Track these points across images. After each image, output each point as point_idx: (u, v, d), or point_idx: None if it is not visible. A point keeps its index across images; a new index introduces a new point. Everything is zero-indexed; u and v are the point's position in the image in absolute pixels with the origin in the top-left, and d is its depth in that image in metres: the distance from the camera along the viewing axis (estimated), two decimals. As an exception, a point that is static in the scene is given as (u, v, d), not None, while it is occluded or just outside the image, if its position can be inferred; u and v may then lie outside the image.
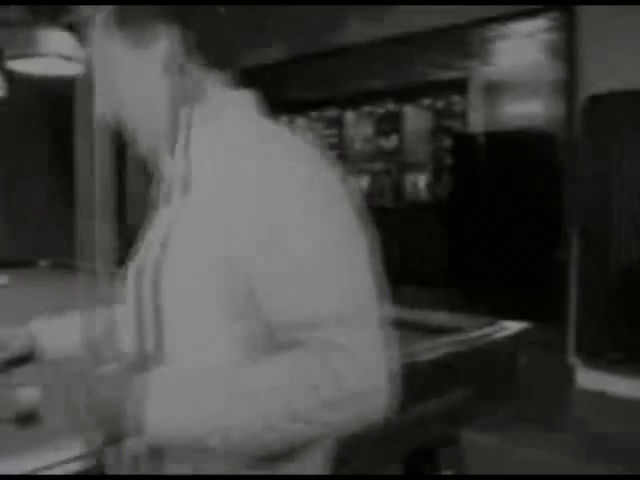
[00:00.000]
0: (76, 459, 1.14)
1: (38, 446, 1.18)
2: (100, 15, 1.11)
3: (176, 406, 0.94)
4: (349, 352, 0.92)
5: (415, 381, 1.69)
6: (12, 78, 3.28)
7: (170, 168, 1.14)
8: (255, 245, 0.97)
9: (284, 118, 10.78)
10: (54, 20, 2.50)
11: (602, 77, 3.34)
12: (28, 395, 1.48)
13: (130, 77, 1.11)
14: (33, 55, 2.35)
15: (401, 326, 2.20)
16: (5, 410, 1.50)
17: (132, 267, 1.14)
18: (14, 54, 2.48)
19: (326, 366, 0.91)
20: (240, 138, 1.08)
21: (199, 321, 1.01)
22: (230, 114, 1.13)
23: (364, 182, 10.33)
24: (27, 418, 1.49)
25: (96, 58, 1.14)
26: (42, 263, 4.17)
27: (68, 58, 2.34)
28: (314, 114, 10.80)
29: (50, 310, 2.44)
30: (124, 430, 0.96)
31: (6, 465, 1.08)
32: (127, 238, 5.60)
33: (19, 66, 2.57)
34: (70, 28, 2.60)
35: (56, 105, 6.19)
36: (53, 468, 1.11)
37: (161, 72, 1.09)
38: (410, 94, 9.61)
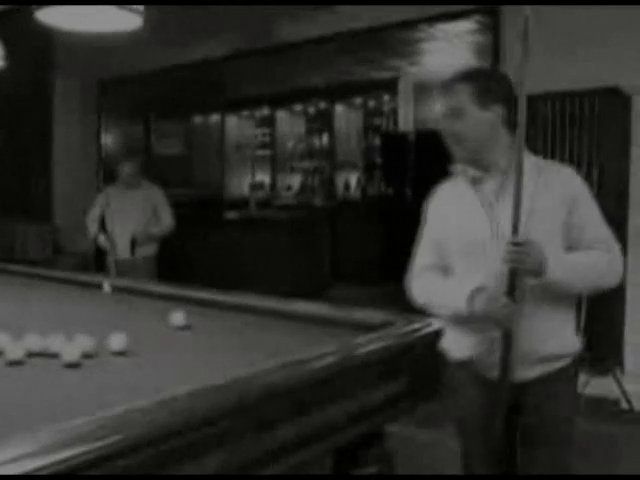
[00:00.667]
0: None
1: None
2: (465, 87, 2.06)
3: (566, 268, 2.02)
4: (615, 254, 2.09)
5: (347, 376, 1.70)
6: None
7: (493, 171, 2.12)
8: (568, 210, 2.06)
9: (216, 116, 10.70)
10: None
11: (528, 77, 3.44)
12: None
13: (473, 119, 2.06)
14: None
15: (332, 323, 2.22)
16: None
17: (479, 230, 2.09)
18: None
19: (607, 257, 2.07)
20: (536, 159, 2.19)
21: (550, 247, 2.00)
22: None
23: (296, 180, 10.35)
24: None
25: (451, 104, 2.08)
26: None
27: None
28: (246, 112, 10.77)
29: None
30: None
31: None
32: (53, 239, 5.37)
33: None
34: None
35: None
36: None
37: (492, 122, 2.09)
38: (341, 93, 9.67)
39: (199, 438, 1.32)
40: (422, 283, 2.21)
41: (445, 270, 2.19)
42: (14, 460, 1.09)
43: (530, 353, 2.04)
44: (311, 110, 10.28)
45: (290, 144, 10.48)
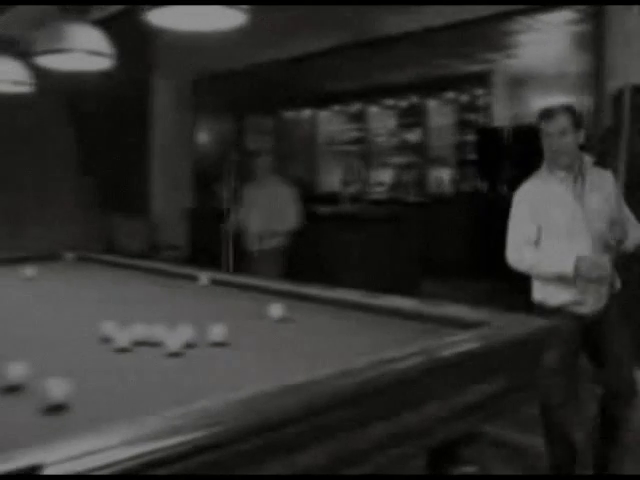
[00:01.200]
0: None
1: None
2: (568, 115, 2.85)
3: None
4: None
5: (441, 375, 1.69)
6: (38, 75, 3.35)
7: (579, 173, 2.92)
8: (610, 204, 2.78)
9: (307, 112, 10.80)
10: (82, 16, 2.54)
11: (631, 68, 3.26)
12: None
13: (572, 138, 2.85)
14: (61, 51, 2.39)
15: (426, 319, 2.22)
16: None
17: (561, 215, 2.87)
18: (42, 50, 2.52)
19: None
20: (595, 168, 2.95)
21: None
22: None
23: (387, 176, 10.30)
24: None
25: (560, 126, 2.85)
26: (68, 256, 4.24)
27: (95, 53, 2.40)
28: (337, 108, 10.80)
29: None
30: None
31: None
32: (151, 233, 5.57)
33: (47, 62, 2.62)
34: (98, 24, 2.64)
35: (80, 106, 6.30)
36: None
37: (578, 140, 2.88)
38: (434, 87, 9.56)
39: (294, 433, 1.33)
40: (527, 254, 2.89)
41: (535, 244, 2.91)
42: (116, 446, 1.14)
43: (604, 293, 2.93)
44: (403, 105, 10.21)
45: (382, 139, 10.44)
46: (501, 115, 8.89)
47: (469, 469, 1.93)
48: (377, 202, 9.04)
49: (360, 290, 2.67)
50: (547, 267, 2.84)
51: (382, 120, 10.47)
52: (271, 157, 5.88)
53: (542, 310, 2.92)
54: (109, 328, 2.01)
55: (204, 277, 3.06)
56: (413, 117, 10.00)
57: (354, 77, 9.33)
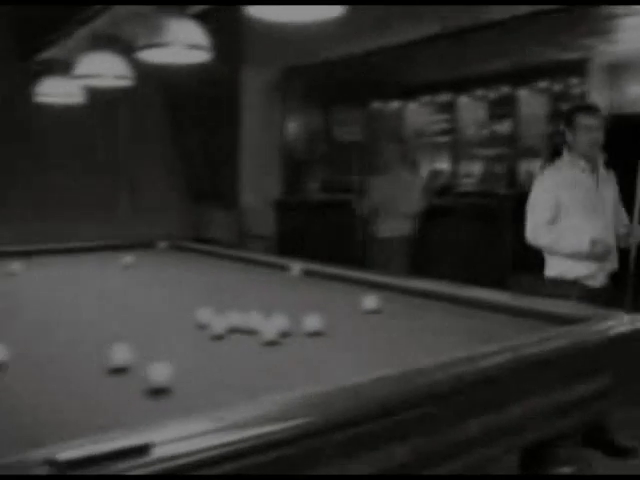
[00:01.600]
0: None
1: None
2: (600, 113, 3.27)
3: None
4: None
5: (540, 371, 1.65)
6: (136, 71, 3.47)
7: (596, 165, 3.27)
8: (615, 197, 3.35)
9: (395, 103, 10.72)
10: (181, 10, 2.60)
11: None
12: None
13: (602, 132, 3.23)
14: (162, 45, 2.46)
15: (519, 313, 2.17)
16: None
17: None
18: (143, 44, 2.60)
19: None
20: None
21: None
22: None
23: (477, 168, 10.12)
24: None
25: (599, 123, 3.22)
26: (161, 245, 4.39)
27: (195, 47, 2.46)
28: (426, 98, 10.68)
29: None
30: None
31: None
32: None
33: (147, 56, 2.70)
34: (197, 17, 2.70)
35: (173, 96, 6.48)
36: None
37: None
38: (526, 77, 9.30)
39: (384, 427, 1.33)
40: (549, 233, 3.26)
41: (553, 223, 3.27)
42: (216, 431, 1.17)
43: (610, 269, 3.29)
44: (493, 95, 9.98)
45: (471, 130, 10.25)
46: (597, 104, 8.56)
47: (565, 470, 1.88)
48: (466, 194, 8.89)
49: (448, 282, 2.64)
50: (565, 244, 3.20)
51: (472, 111, 10.27)
52: (402, 146, 6.05)
53: (557, 284, 3.28)
54: (206, 315, 2.06)
55: (296, 267, 3.10)
56: (504, 107, 9.76)
57: (443, 67, 9.18)
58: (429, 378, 1.47)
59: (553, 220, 3.25)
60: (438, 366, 1.53)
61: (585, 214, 3.21)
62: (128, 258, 3.48)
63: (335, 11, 1.84)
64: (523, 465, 1.95)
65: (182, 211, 6.71)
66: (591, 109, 3.30)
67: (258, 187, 7.52)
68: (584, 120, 3.13)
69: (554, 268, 3.37)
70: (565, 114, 3.48)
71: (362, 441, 1.29)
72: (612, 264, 3.28)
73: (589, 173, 3.25)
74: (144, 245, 4.37)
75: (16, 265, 3.26)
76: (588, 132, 3.14)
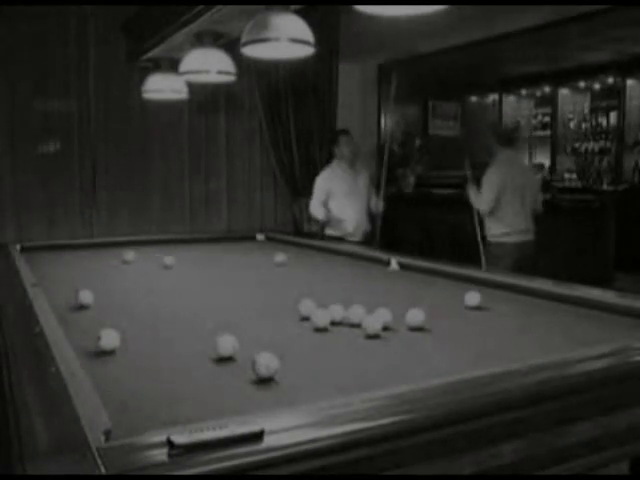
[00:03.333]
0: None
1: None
2: None
3: None
4: None
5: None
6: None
7: None
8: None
9: (493, 96, 10.49)
10: (285, 6, 2.62)
11: None
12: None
13: None
14: (268, 40, 2.50)
15: (623, 313, 2.07)
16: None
17: None
18: (248, 40, 2.65)
19: None
20: None
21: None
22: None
23: (578, 162, 9.77)
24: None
25: None
26: (259, 237, 4.48)
27: (300, 41, 2.49)
28: (524, 91, 10.40)
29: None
30: None
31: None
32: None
33: (251, 52, 2.74)
34: (299, 13, 2.72)
35: (268, 89, 6.58)
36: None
37: None
38: (634, 67, 8.89)
39: (485, 426, 1.30)
40: (320, 208, 4.86)
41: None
42: (321, 423, 1.18)
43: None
44: (597, 87, 9.61)
45: (572, 124, 9.91)
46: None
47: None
48: (567, 190, 8.60)
49: (550, 280, 2.56)
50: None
51: (573, 103, 9.93)
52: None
53: (334, 238, 4.64)
54: (309, 307, 2.08)
55: (394, 261, 3.09)
56: (608, 99, 9.38)
57: (542, 59, 8.91)
58: (533, 378, 1.43)
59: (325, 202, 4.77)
60: (543, 366, 1.49)
61: (345, 196, 4.74)
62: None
63: (440, 4, 1.81)
64: (633, 471, 1.87)
65: (280, 205, 6.81)
66: (348, 132, 5.03)
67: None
68: (343, 139, 4.90)
69: (333, 229, 4.82)
70: (331, 136, 5.35)
71: (458, 440, 1.27)
72: (366, 227, 4.91)
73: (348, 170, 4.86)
74: (245, 238, 4.48)
75: (130, 254, 3.45)
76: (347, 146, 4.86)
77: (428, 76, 8.93)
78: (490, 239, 4.74)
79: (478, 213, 4.79)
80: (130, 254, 3.49)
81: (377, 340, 1.87)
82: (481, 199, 4.66)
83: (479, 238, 4.80)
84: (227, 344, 1.71)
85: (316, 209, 4.86)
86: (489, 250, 4.74)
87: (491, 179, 4.68)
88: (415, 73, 8.48)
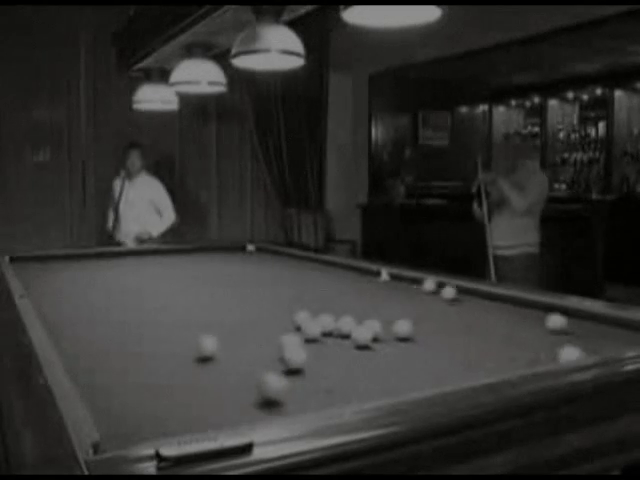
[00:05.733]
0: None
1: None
2: None
3: None
4: None
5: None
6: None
7: None
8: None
9: (483, 107, 10.55)
10: (275, 17, 2.64)
11: None
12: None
13: None
14: (258, 51, 2.51)
15: (617, 324, 2.08)
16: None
17: None
18: (240, 51, 2.66)
19: None
20: None
21: None
22: None
23: (567, 172, 9.83)
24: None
25: None
26: (249, 247, 4.47)
27: (291, 53, 2.50)
28: (514, 102, 10.47)
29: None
30: None
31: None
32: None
33: (242, 63, 2.76)
34: (289, 24, 2.74)
35: (259, 100, 6.60)
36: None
37: None
38: (621, 78, 8.97)
39: (479, 436, 1.30)
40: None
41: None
42: (310, 435, 1.17)
43: None
44: (585, 98, 9.68)
45: (562, 134, 9.98)
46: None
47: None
48: (557, 200, 8.65)
49: (536, 290, 2.57)
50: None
51: (562, 114, 10.01)
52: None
53: None
54: (302, 318, 2.07)
55: (384, 272, 3.09)
56: (597, 110, 9.46)
57: (532, 70, 8.98)
58: (522, 389, 1.44)
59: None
60: (538, 375, 1.49)
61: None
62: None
63: (433, 15, 1.82)
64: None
65: (270, 215, 6.82)
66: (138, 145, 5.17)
67: (344, 192, 7.55)
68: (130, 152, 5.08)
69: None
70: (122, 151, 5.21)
71: (450, 451, 1.27)
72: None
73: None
74: (235, 248, 4.47)
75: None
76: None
77: (418, 86, 8.98)
78: (520, 250, 4.54)
79: (488, 224, 4.65)
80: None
81: (365, 351, 1.87)
82: (524, 198, 4.45)
83: (490, 250, 4.62)
84: (209, 347, 1.71)
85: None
86: (514, 261, 4.54)
87: (541, 182, 4.66)
88: (405, 83, 8.54)
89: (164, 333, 2.13)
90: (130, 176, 5.18)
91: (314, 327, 1.98)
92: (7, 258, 3.71)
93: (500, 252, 4.59)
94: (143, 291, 2.99)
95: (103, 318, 2.38)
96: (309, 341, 1.95)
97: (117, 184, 5.27)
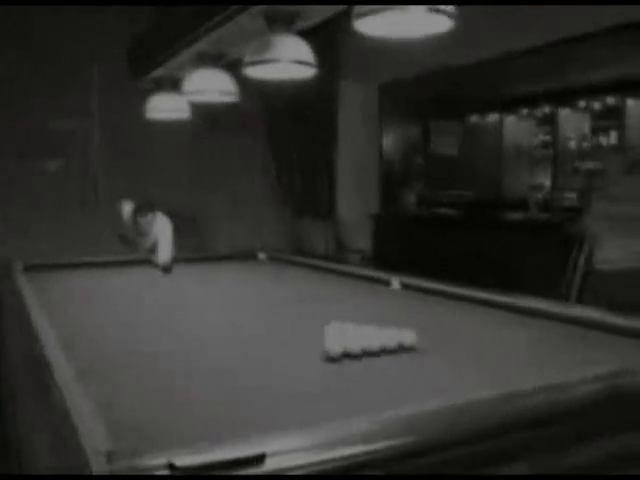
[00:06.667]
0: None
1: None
2: None
3: None
4: None
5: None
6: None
7: None
8: None
9: (493, 116, 10.54)
10: (287, 27, 2.65)
11: None
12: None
13: None
14: (270, 61, 2.52)
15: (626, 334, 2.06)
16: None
17: None
18: (250, 61, 2.67)
19: None
20: None
21: None
22: None
23: (579, 182, 9.80)
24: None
25: None
26: (261, 256, 4.47)
27: (302, 63, 2.54)
28: (525, 111, 10.44)
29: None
30: None
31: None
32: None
33: (253, 72, 2.79)
34: (302, 34, 2.74)
35: (271, 110, 6.62)
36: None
37: None
38: (635, 86, 8.94)
39: (489, 449, 1.29)
40: None
41: None
42: (326, 446, 1.17)
43: None
44: (597, 106, 9.65)
45: (573, 143, 9.95)
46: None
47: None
48: (569, 209, 8.62)
49: (548, 300, 2.56)
50: None
51: (574, 123, 9.97)
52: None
53: None
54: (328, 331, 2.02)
55: (395, 282, 3.09)
56: (609, 119, 9.42)
57: (544, 79, 8.96)
58: (533, 400, 1.43)
59: None
60: (544, 388, 1.48)
61: None
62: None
63: (446, 25, 1.83)
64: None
65: (281, 223, 6.83)
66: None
67: (355, 201, 7.55)
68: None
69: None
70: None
71: (460, 464, 1.26)
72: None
73: None
74: (246, 256, 4.48)
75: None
76: None
77: (429, 95, 8.98)
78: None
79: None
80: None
81: (376, 359, 1.86)
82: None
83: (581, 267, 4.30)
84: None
85: None
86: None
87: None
88: (415, 92, 8.52)
89: (190, 347, 2.12)
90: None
91: (337, 340, 1.94)
92: (21, 266, 3.72)
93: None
94: (160, 302, 2.99)
95: (118, 327, 2.38)
96: (330, 360, 1.91)
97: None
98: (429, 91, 8.74)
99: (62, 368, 1.66)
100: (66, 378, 1.57)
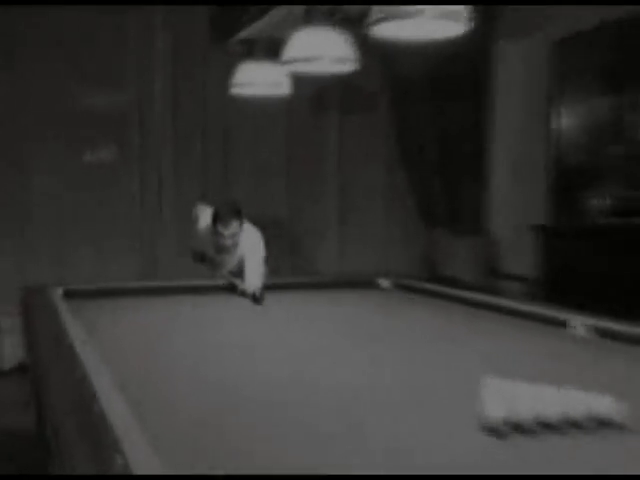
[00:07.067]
0: None
1: None
2: None
3: None
4: None
5: None
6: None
7: None
8: None
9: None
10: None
11: None
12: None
13: None
14: (407, 16, 2.57)
15: None
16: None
17: None
18: (378, 17, 2.74)
19: None
20: None
21: None
22: None
23: None
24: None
25: None
26: (383, 283, 4.49)
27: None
28: None
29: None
30: None
31: None
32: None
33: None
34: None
35: (398, 87, 6.65)
36: None
37: None
38: None
39: None
40: None
41: None
42: None
43: None
44: None
45: None
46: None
47: None
48: None
49: None
50: None
51: None
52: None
53: None
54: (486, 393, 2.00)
55: (578, 323, 3.04)
56: None
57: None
58: None
59: None
60: None
61: None
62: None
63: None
64: None
65: (411, 240, 6.82)
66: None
67: (515, 207, 7.45)
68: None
69: None
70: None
71: None
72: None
73: None
74: (364, 283, 4.51)
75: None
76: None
77: (622, 55, 8.76)
78: None
79: None
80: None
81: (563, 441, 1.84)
82: None
83: None
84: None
85: None
86: None
87: None
88: (607, 51, 8.33)
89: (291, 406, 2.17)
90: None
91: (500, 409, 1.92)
92: (61, 291, 3.89)
93: None
94: (250, 343, 3.06)
95: (197, 382, 2.45)
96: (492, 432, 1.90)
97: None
98: (623, 48, 8.54)
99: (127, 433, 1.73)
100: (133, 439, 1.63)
